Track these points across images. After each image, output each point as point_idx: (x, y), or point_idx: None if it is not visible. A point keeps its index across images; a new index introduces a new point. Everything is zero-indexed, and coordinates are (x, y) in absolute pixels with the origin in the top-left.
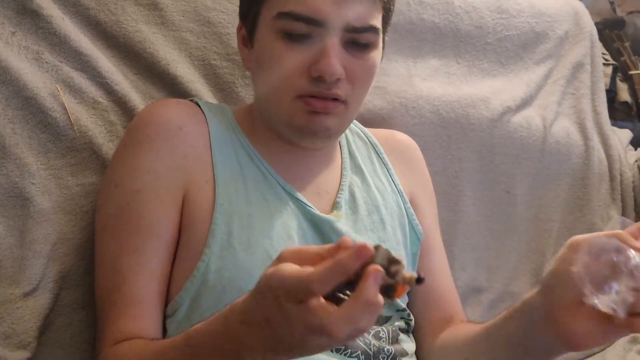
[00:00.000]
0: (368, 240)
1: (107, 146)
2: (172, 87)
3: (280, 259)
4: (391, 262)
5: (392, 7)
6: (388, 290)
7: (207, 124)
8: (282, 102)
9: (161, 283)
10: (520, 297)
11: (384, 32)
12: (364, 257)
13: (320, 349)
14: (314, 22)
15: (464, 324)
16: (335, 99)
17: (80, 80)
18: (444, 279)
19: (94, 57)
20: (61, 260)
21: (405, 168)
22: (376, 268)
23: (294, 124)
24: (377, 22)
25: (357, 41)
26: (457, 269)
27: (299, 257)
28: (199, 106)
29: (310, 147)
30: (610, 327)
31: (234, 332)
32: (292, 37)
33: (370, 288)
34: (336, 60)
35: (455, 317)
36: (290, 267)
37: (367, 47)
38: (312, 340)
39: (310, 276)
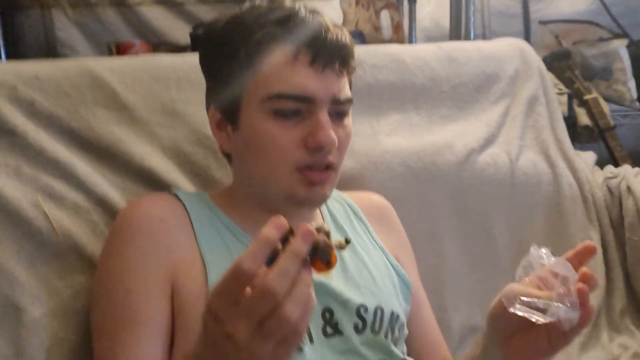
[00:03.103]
0: (362, 297)
1: (92, 245)
2: (149, 180)
3: None
4: (318, 230)
5: (352, 78)
6: (324, 254)
7: (188, 212)
8: (281, 177)
9: None
10: None
11: None
12: (281, 226)
13: (279, 346)
14: (305, 100)
15: None
16: (328, 167)
17: (59, 187)
18: (434, 330)
19: (70, 163)
20: None
21: (386, 230)
22: (306, 226)
23: (294, 196)
24: (350, 93)
25: (339, 111)
26: (450, 310)
27: None
28: (178, 197)
29: (297, 215)
30: (535, 343)
31: None
32: (284, 115)
33: (298, 242)
34: (331, 130)
35: None
36: None
37: (344, 115)
38: (263, 342)
39: (239, 260)
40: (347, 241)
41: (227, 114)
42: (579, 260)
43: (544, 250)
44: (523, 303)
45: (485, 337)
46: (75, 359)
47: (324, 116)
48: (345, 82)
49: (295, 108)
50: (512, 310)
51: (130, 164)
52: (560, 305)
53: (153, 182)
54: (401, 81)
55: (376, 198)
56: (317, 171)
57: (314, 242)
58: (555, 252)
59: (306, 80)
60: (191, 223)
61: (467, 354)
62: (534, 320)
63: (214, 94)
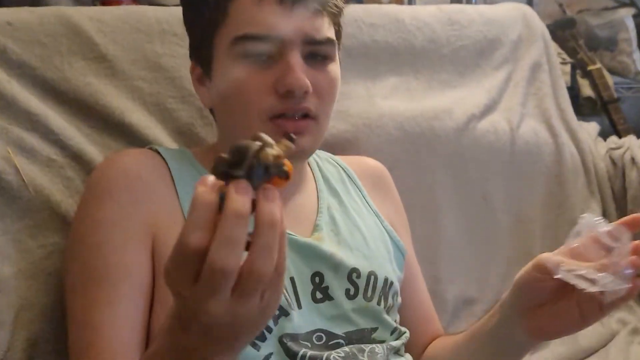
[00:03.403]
0: (355, 260)
1: (67, 202)
2: (130, 136)
3: None
4: (262, 147)
5: (340, 21)
6: (279, 169)
7: (169, 168)
8: (253, 128)
9: (140, 333)
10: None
11: (338, 48)
12: (211, 183)
13: (253, 310)
14: (273, 40)
15: (449, 336)
16: (306, 116)
17: (31, 140)
18: (427, 301)
19: (44, 115)
20: (27, 328)
21: (381, 196)
22: (241, 183)
23: None
24: (332, 34)
25: (316, 54)
26: (445, 282)
27: None
28: (159, 153)
29: None
30: (565, 315)
31: (180, 341)
32: (252, 59)
33: (234, 199)
34: (302, 73)
35: (437, 335)
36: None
37: (326, 59)
38: (245, 303)
39: (181, 235)
40: (290, 138)
41: (204, 66)
42: None
43: (596, 218)
44: (568, 270)
45: (504, 308)
46: (47, 323)
47: (294, 58)
48: (324, 21)
49: (264, 50)
50: (558, 276)
51: (109, 118)
52: (609, 275)
53: (133, 139)
54: (399, 42)
55: (372, 163)
56: (291, 119)
57: (263, 162)
58: (554, 224)
59: (273, 18)
60: (173, 180)
61: (476, 326)
62: (581, 287)
63: (193, 46)
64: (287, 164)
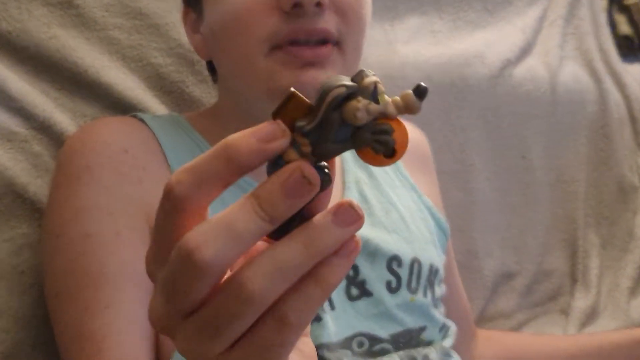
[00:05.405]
0: (394, 245)
1: (35, 184)
2: (107, 99)
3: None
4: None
5: None
6: (379, 137)
7: (158, 140)
8: (255, 64)
9: (150, 337)
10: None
11: None
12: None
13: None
14: None
15: (508, 335)
16: (326, 42)
17: None
18: (462, 292)
19: (0, 77)
20: (0, 339)
21: (419, 168)
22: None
23: (277, 86)
24: None
25: None
26: (481, 256)
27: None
28: (143, 121)
29: None
30: None
31: None
32: None
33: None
34: None
35: (474, 332)
36: None
37: None
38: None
39: (185, 239)
40: (422, 92)
41: (195, 6)
42: None
43: None
44: None
45: None
46: (24, 331)
47: None
48: None
49: None
50: None
51: (81, 78)
52: None
53: (112, 102)
54: None
55: (408, 127)
56: (305, 46)
57: (348, 120)
58: (599, 182)
59: None
60: (163, 152)
61: (604, 340)
62: None
63: None
64: (398, 130)
